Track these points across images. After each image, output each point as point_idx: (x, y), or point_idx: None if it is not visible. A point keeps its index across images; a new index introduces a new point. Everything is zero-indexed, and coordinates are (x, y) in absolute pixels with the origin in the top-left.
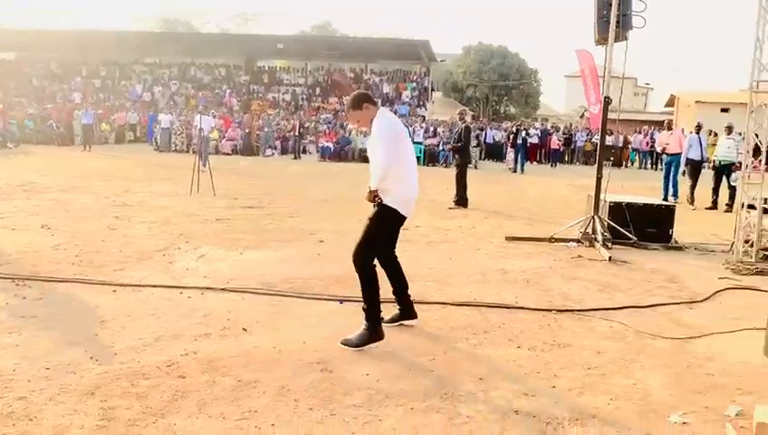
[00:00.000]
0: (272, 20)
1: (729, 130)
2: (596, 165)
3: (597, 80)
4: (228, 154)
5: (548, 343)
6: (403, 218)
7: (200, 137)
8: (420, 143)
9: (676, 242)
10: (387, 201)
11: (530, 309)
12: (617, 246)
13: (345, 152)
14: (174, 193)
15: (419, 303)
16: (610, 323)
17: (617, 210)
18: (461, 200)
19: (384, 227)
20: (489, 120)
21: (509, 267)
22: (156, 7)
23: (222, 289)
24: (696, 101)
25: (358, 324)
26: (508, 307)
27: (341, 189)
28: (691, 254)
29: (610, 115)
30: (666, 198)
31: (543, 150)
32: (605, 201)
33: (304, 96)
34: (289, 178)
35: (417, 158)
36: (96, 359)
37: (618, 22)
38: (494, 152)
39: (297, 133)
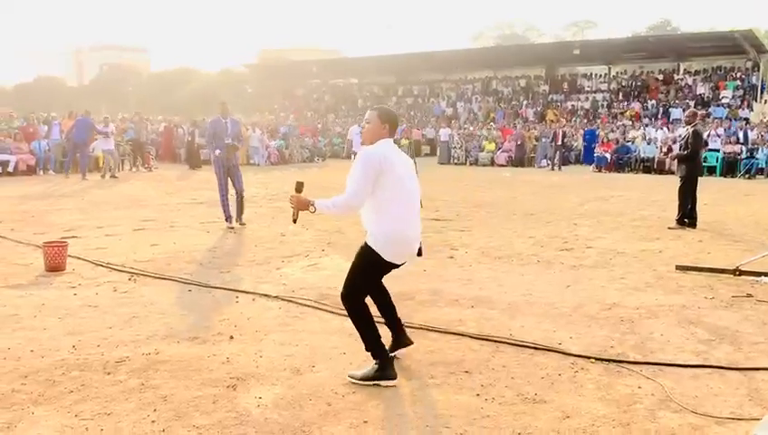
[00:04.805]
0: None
1: None
2: None
3: None
4: (503, 165)
5: (521, 396)
6: (390, 266)
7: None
8: (717, 150)
9: None
10: (370, 242)
11: (560, 353)
12: None
13: (625, 162)
14: None
15: (426, 329)
16: (646, 382)
17: None
18: (685, 218)
19: (367, 271)
20: None
21: (628, 303)
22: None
23: (275, 297)
24: None
25: (358, 347)
26: (534, 347)
27: (575, 205)
28: None
29: None
30: None
31: None
32: None
33: (605, 102)
34: (527, 191)
35: (713, 167)
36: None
37: None
38: None
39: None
